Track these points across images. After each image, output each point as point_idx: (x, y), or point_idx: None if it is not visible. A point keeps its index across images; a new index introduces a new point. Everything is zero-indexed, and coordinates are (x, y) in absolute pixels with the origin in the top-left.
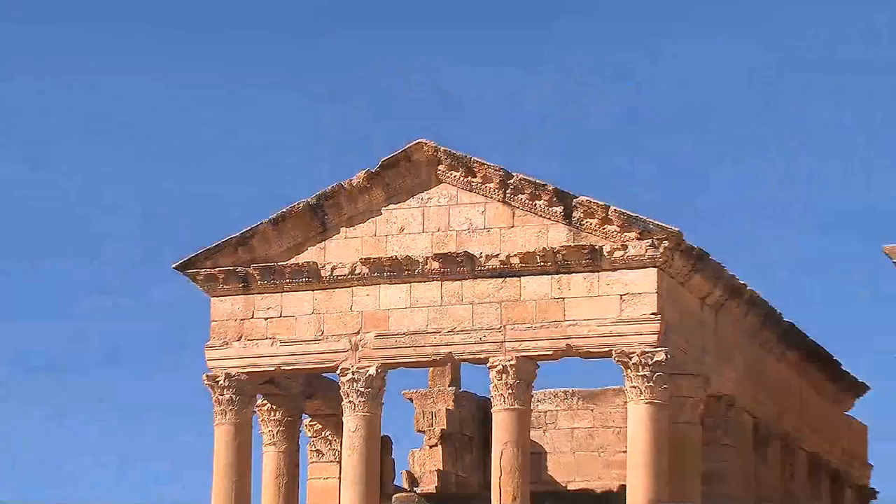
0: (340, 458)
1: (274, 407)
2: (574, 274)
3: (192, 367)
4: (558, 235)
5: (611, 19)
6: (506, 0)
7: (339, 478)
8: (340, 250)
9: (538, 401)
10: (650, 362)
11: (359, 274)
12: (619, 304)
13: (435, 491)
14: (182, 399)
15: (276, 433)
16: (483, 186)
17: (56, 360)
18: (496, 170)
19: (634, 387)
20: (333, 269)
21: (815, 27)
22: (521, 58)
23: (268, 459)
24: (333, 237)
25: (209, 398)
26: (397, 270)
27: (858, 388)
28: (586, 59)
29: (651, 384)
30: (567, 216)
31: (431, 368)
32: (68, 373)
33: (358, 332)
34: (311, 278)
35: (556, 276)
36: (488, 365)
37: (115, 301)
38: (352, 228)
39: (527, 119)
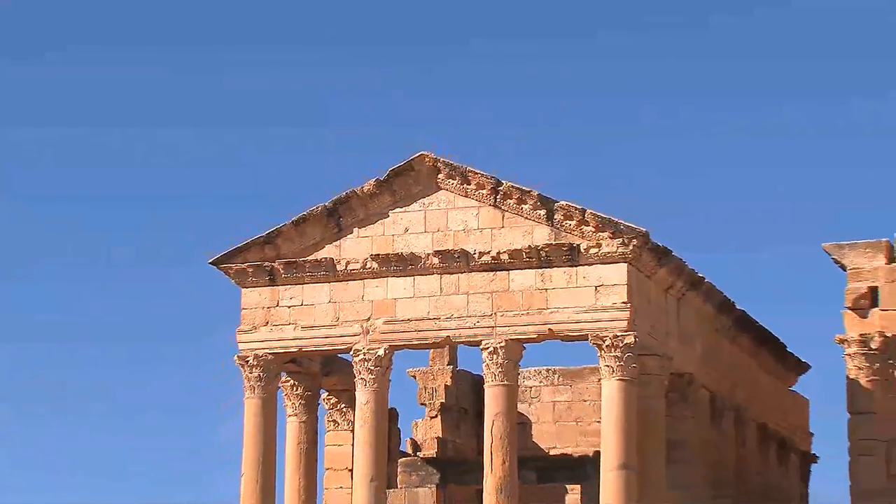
0: (353, 427)
1: (296, 383)
2: (555, 268)
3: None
4: (542, 235)
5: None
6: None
7: (353, 444)
8: (353, 248)
9: (524, 378)
10: (621, 344)
11: (369, 268)
12: (595, 295)
13: (435, 456)
14: (180, 398)
15: (298, 406)
16: (477, 192)
17: (69, 359)
18: (488, 178)
19: (607, 366)
20: (347, 264)
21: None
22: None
23: (290, 429)
24: (347, 236)
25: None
26: (402, 265)
27: (801, 367)
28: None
29: (622, 363)
30: (549, 218)
31: (432, 350)
32: (73, 373)
33: (368, 319)
34: (328, 272)
35: (539, 270)
36: (481, 347)
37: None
38: (363, 229)
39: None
